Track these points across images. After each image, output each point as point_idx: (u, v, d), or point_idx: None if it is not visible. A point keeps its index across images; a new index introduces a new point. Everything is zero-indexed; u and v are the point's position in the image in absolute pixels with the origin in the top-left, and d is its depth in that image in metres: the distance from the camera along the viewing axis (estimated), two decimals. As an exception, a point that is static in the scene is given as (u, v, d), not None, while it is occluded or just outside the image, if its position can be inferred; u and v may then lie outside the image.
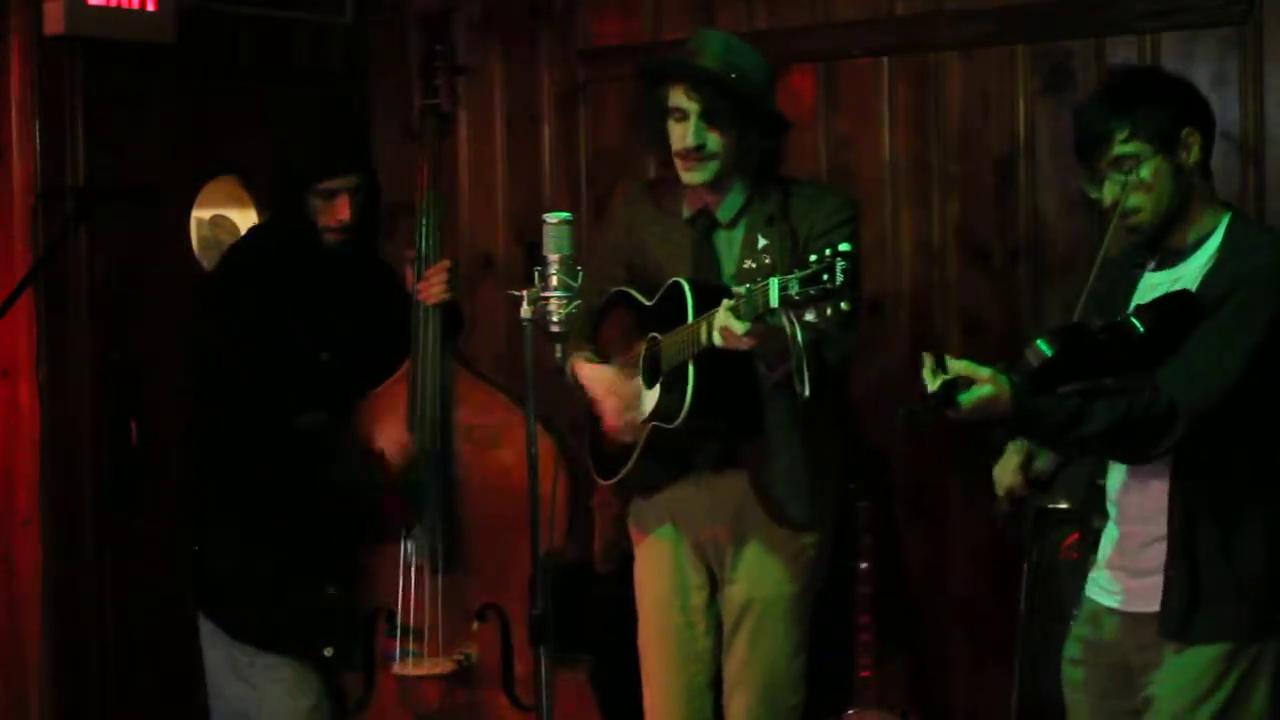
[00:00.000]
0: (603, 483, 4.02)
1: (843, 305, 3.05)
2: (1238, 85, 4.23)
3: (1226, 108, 4.22)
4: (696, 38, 3.81)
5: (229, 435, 3.82)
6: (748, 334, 3.33)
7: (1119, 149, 3.24)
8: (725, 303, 3.36)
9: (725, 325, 3.35)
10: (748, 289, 3.24)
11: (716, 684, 3.99)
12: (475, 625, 3.94)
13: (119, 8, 4.61)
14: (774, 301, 3.13)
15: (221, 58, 5.03)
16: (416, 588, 3.91)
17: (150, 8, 4.67)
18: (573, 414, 4.03)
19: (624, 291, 3.92)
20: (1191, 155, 3.26)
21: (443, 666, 3.91)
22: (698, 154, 3.70)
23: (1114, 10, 4.39)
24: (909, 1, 4.71)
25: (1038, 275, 4.53)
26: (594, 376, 3.87)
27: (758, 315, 3.24)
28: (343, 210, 3.79)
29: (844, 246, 3.06)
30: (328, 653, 3.88)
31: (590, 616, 4.42)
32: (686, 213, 3.86)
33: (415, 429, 3.92)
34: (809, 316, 3.10)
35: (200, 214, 4.97)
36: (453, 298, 3.96)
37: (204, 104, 4.93)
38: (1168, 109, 3.24)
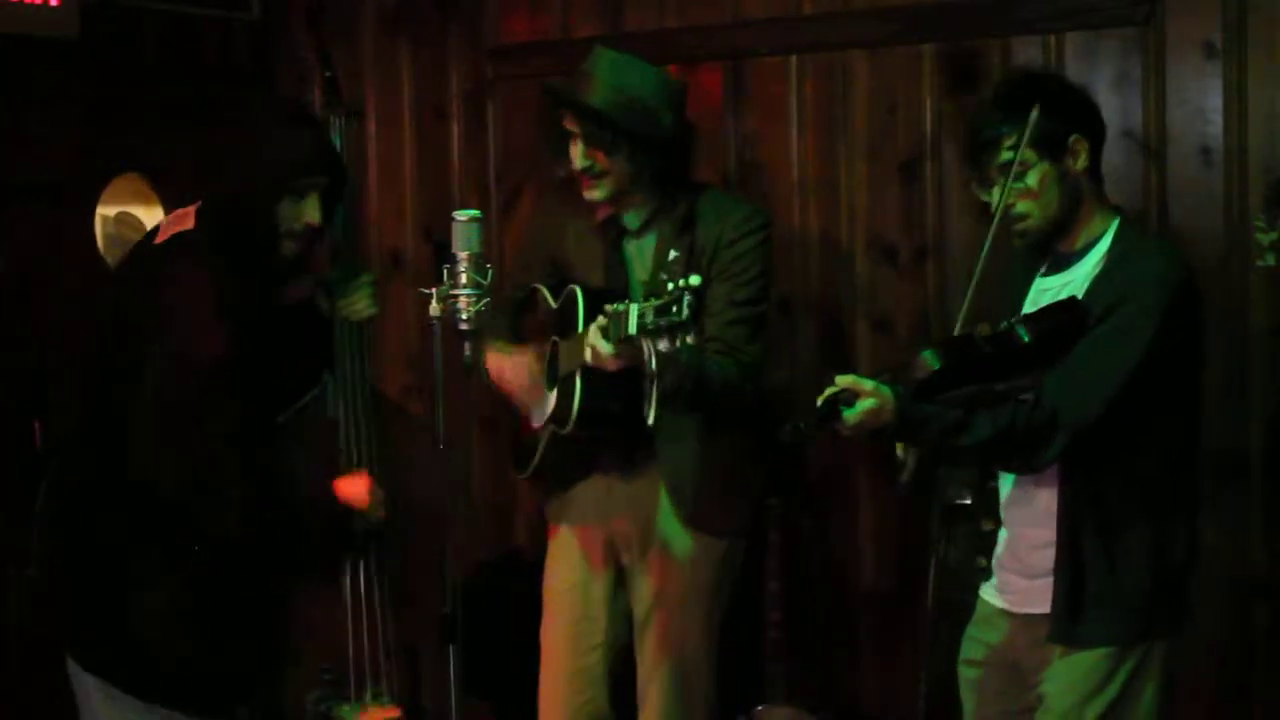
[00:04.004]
0: (518, 476, 4.10)
1: (688, 338, 3.13)
2: (1140, 85, 4.28)
3: (1129, 108, 4.27)
4: (592, 57, 3.83)
5: (191, 472, 3.30)
6: (615, 355, 3.37)
7: (1006, 154, 3.28)
8: (595, 324, 3.40)
9: (594, 345, 3.39)
10: (614, 310, 3.28)
11: (613, 675, 4.05)
12: (388, 664, 3.73)
13: (21, 2, 4.55)
14: (632, 328, 3.18)
15: (127, 53, 4.98)
16: (355, 630, 3.66)
17: (53, 2, 4.62)
18: (485, 411, 4.04)
19: (537, 289, 3.94)
20: (1079, 162, 3.30)
21: (391, 711, 3.69)
22: (588, 174, 3.78)
23: (1019, 11, 4.43)
24: (817, 0, 4.73)
25: (944, 274, 4.56)
26: (496, 361, 3.94)
27: (620, 339, 3.27)
28: (312, 212, 3.43)
29: (694, 280, 3.12)
30: (241, 715, 3.51)
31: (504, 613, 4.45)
32: (598, 218, 3.88)
33: (348, 447, 3.65)
34: (662, 345, 3.16)
35: (105, 211, 4.92)
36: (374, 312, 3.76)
37: (109, 100, 4.87)
38: (1056, 116, 3.28)
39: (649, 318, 3.14)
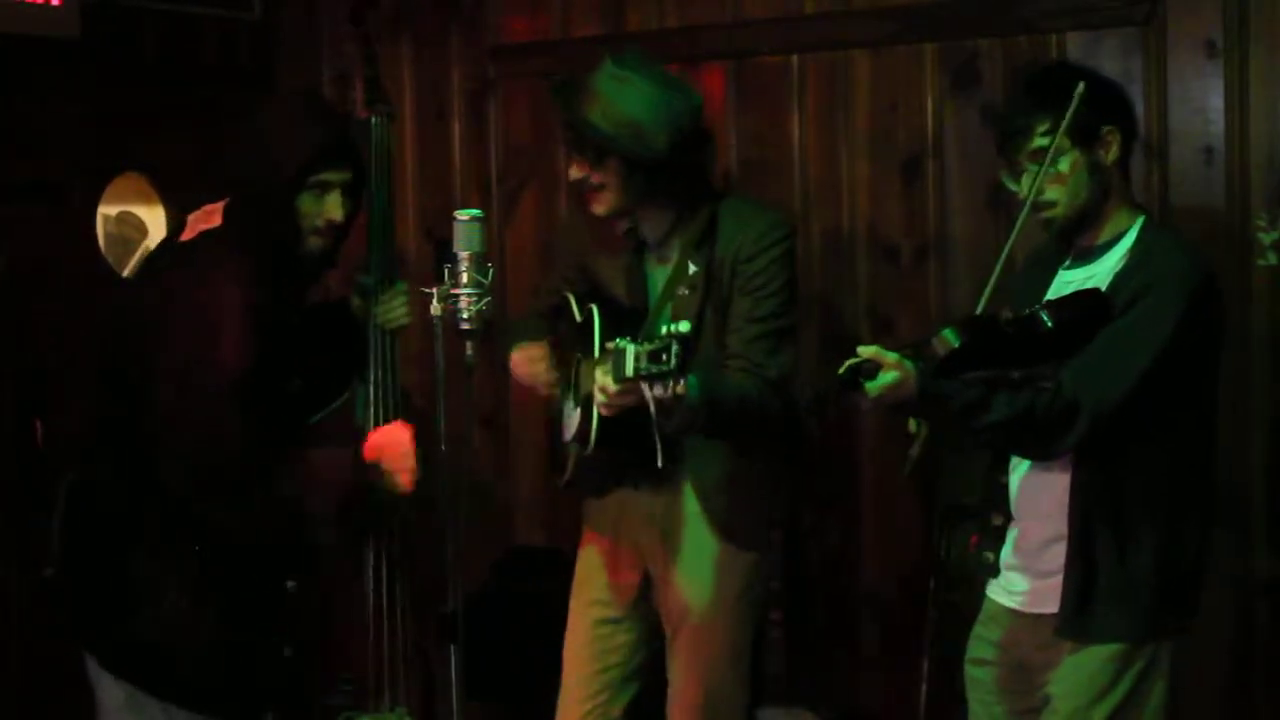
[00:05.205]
0: (557, 483, 4.05)
1: (678, 388, 3.11)
2: (1142, 85, 4.27)
3: (1130, 107, 4.27)
4: (599, 68, 3.75)
5: (211, 475, 3.29)
6: (621, 393, 3.33)
7: (1039, 141, 3.28)
8: (599, 363, 3.36)
9: (601, 384, 3.36)
10: (613, 348, 3.23)
11: (637, 683, 4.01)
12: (407, 670, 3.74)
13: (22, 2, 4.55)
14: (629, 371, 3.15)
15: (127, 53, 4.97)
16: (376, 636, 3.65)
17: (54, 2, 4.61)
18: (485, 412, 4.04)
19: (566, 297, 3.94)
20: (1110, 153, 3.30)
21: None
22: (585, 186, 3.75)
23: (1019, 10, 4.43)
24: (818, 0, 4.73)
25: (946, 273, 4.56)
26: (517, 356, 3.89)
27: (621, 380, 3.24)
28: (334, 208, 3.43)
29: (683, 327, 3.10)
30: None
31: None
32: (618, 229, 3.87)
33: None
34: (657, 390, 3.15)
35: (106, 211, 4.92)
36: (408, 321, 3.77)
37: (109, 100, 4.87)
38: (1090, 105, 3.27)
39: (643, 362, 3.11)
